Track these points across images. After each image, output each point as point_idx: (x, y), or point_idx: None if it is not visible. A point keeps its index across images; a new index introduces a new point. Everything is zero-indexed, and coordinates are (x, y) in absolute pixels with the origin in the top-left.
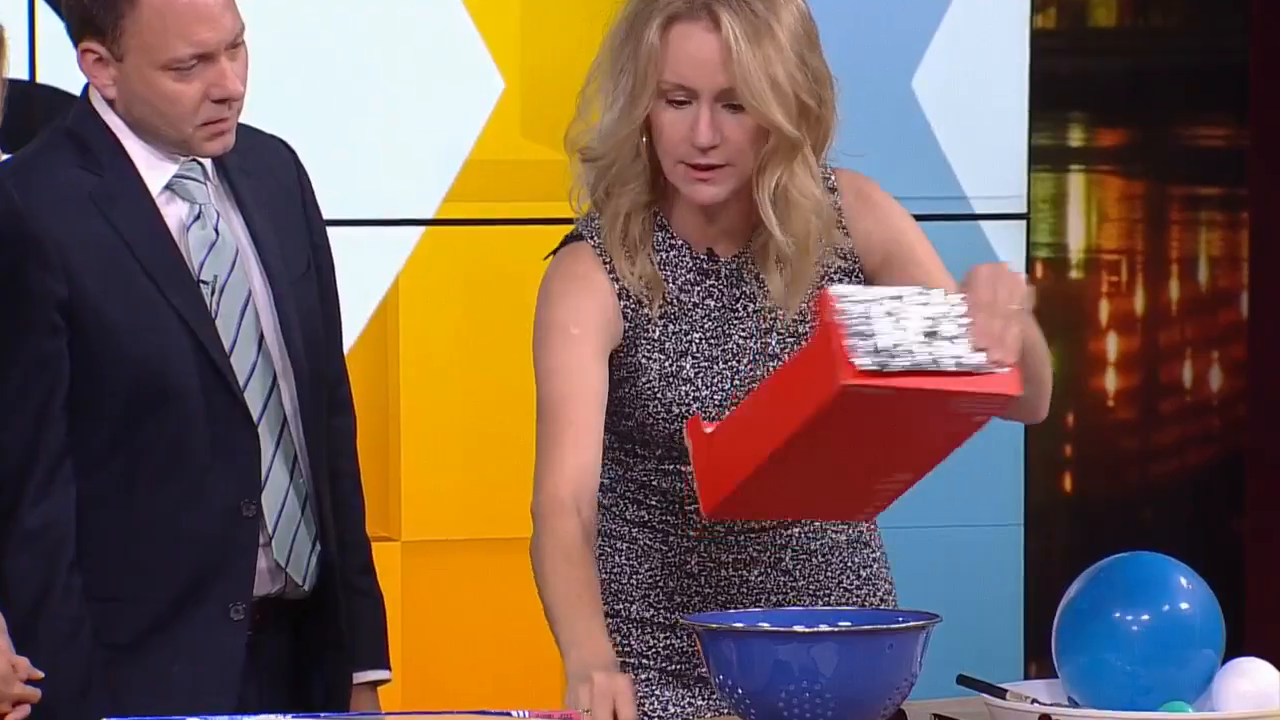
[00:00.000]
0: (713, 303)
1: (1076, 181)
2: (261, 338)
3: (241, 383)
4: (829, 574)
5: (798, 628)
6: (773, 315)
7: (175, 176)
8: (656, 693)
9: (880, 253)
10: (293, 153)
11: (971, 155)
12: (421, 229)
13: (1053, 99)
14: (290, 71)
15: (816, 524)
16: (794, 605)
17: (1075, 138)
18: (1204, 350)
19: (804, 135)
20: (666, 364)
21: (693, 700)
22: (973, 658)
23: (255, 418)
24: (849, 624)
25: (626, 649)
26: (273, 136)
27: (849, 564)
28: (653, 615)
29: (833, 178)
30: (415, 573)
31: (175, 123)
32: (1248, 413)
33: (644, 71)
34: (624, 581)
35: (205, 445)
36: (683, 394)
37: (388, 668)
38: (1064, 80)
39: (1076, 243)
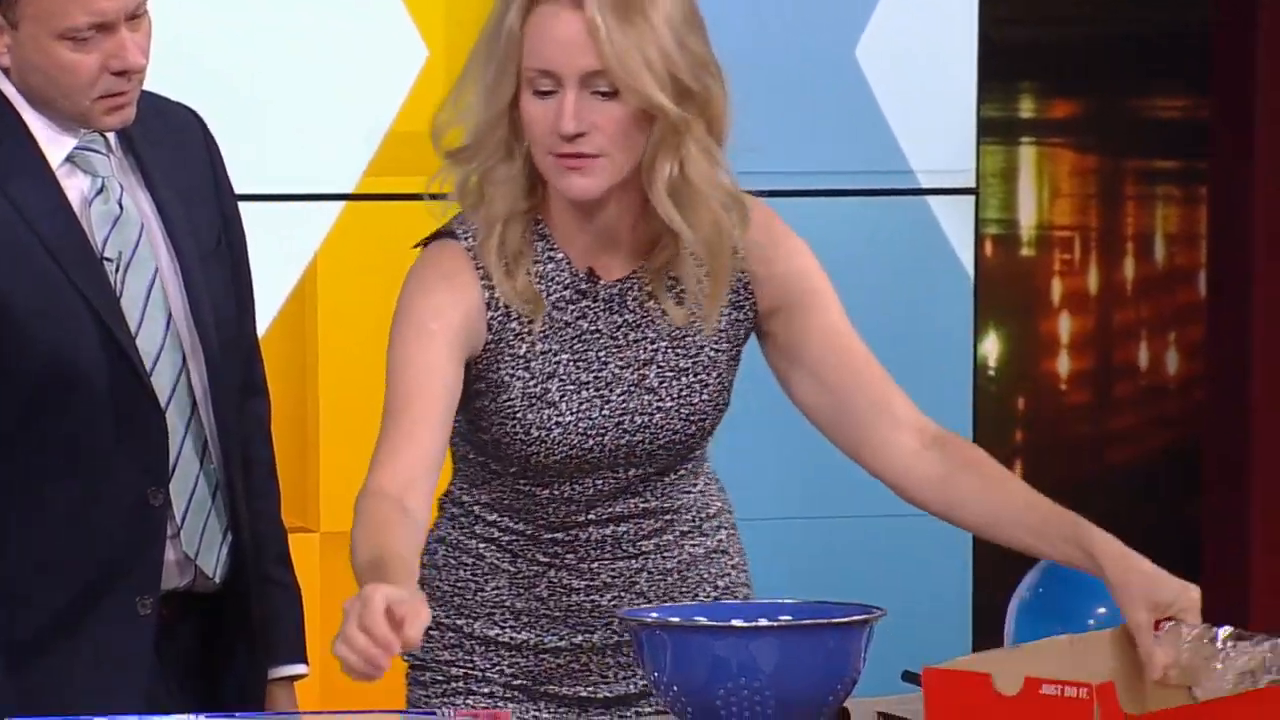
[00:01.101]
0: (586, 324)
1: (1028, 155)
2: (169, 317)
3: (148, 365)
4: (684, 589)
5: (736, 622)
6: (654, 347)
7: (76, 149)
8: (500, 706)
9: (780, 294)
10: (201, 122)
11: (918, 127)
12: (341, 204)
13: (1003, 68)
14: (199, 37)
15: (671, 538)
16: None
17: (1026, 109)
18: (1160, 331)
19: (691, 116)
20: (531, 384)
21: (539, 714)
22: (919, 653)
23: (163, 402)
24: (789, 618)
25: (470, 665)
26: (180, 105)
27: (705, 576)
28: (497, 634)
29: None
30: (335, 565)
31: (72, 94)
32: (1206, 396)
33: (505, 58)
34: (468, 598)
35: (110, 431)
36: (544, 417)
37: (305, 662)
38: (1014, 49)
39: (1027, 219)
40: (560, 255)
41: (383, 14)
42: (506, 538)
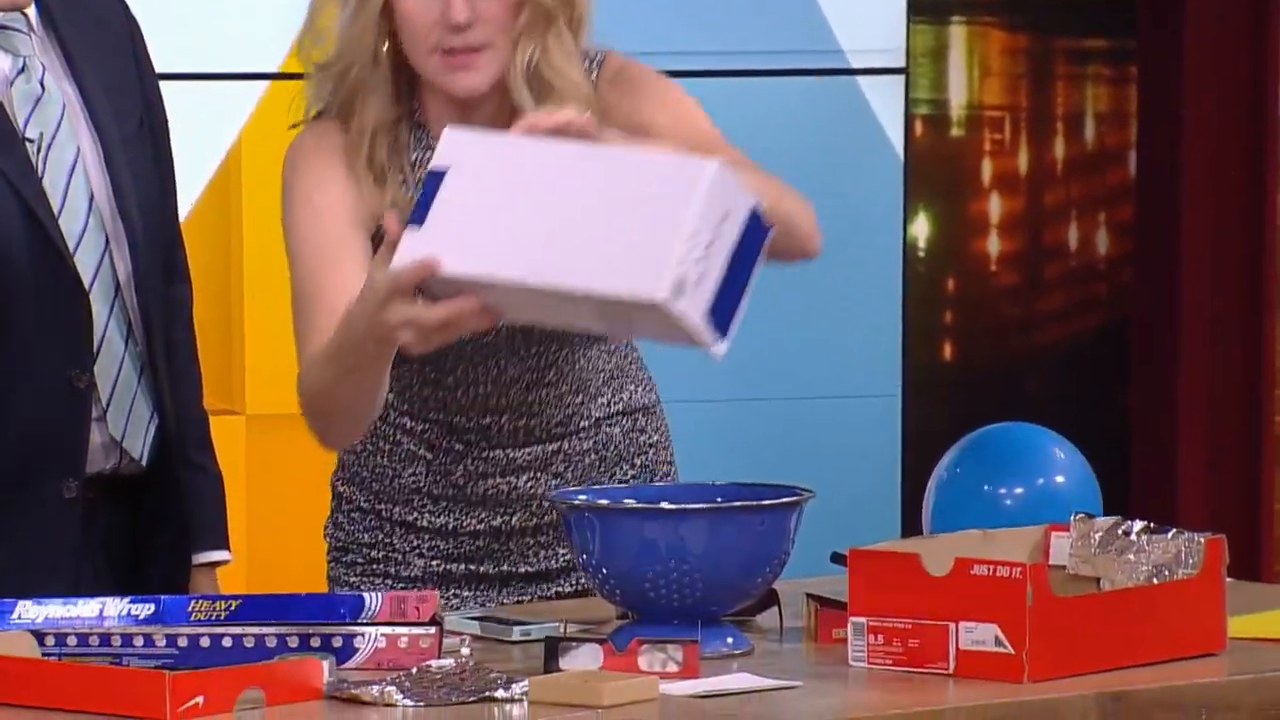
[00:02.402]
0: None
1: (958, 34)
2: (92, 199)
3: (71, 247)
4: (601, 470)
5: (664, 504)
6: None
7: None
8: (419, 588)
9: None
10: (123, 2)
11: (847, 5)
12: (265, 84)
13: (931, 13)
14: None
15: (587, 424)
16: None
17: None
18: (1090, 212)
19: (557, 6)
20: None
21: (459, 593)
22: (848, 535)
23: (87, 284)
24: (720, 500)
25: (390, 547)
26: None
27: (623, 455)
28: (415, 519)
29: (598, 57)
30: (260, 448)
31: None
32: (1135, 278)
33: None
34: (385, 483)
35: (33, 312)
36: None
37: (228, 549)
38: None
39: (958, 99)
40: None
41: None
42: (420, 427)
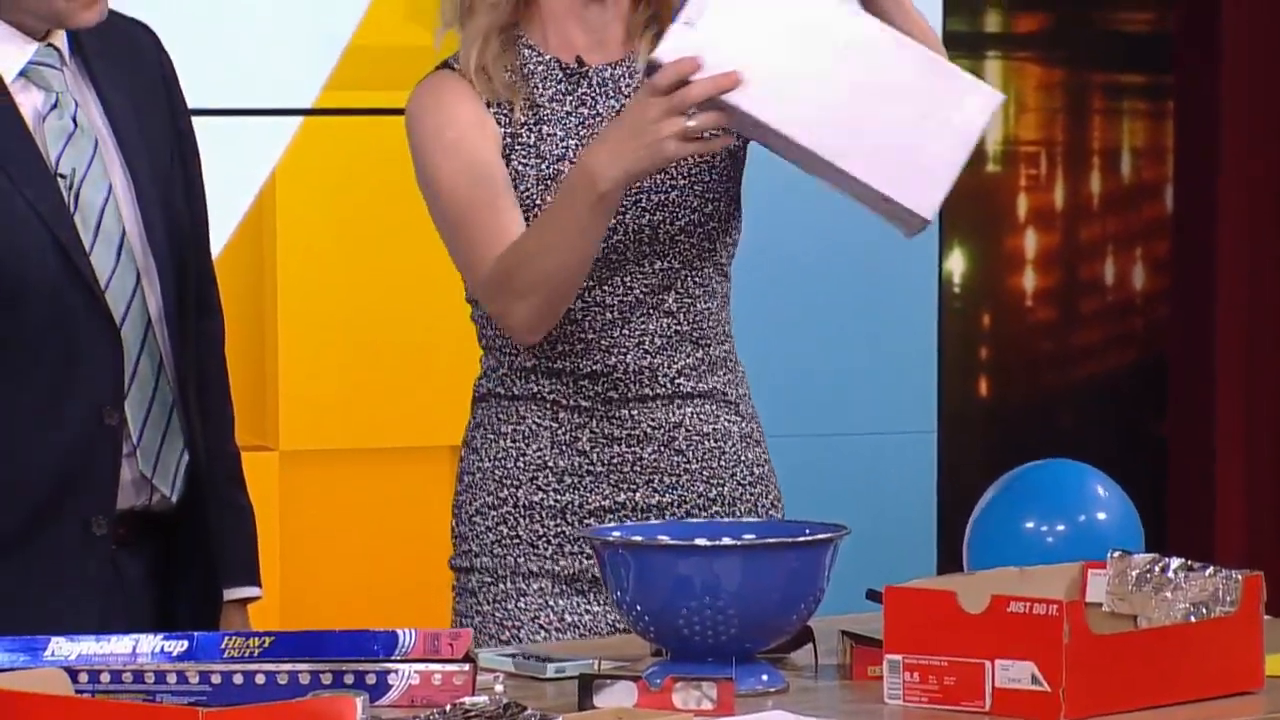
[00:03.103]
0: (586, 110)
1: (993, 69)
2: (124, 235)
3: (103, 283)
4: (722, 463)
5: (699, 540)
6: None
7: (30, 63)
8: (551, 604)
9: None
10: (155, 37)
11: None
12: (300, 119)
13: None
14: None
15: (709, 408)
16: (687, 490)
17: (991, 22)
18: (1127, 247)
19: None
20: (544, 168)
21: (589, 608)
22: (884, 572)
23: (118, 320)
24: (753, 537)
25: (515, 539)
26: (133, 20)
27: (743, 458)
28: (542, 499)
29: None
30: (293, 484)
31: None
32: (1172, 312)
33: None
34: (510, 465)
35: (63, 349)
36: None
37: (258, 584)
38: None
39: (993, 134)
40: (548, 56)
41: None
42: (547, 385)
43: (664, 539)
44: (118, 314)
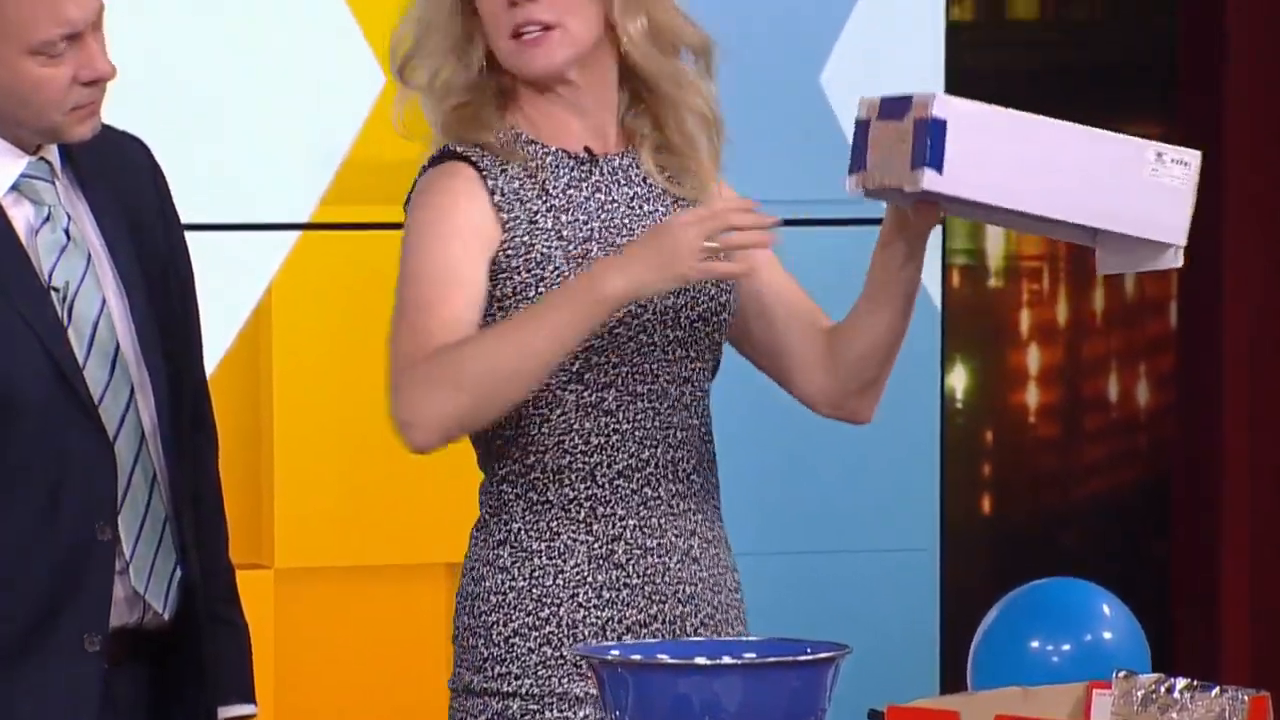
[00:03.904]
0: (603, 196)
1: None
2: (117, 349)
3: (96, 397)
4: (718, 570)
5: (699, 659)
6: (667, 216)
7: (22, 176)
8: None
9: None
10: (148, 151)
11: None
12: (296, 234)
13: (969, 95)
14: (152, 62)
15: (709, 513)
16: (702, 601)
17: None
18: (1130, 363)
19: None
20: (571, 248)
21: None
22: (886, 691)
23: (111, 434)
24: (754, 656)
25: (559, 660)
26: (126, 134)
27: (729, 565)
28: (583, 616)
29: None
30: (289, 602)
31: (43, 111)
32: (1177, 430)
33: None
34: (548, 584)
35: (56, 463)
36: None
37: (253, 702)
38: (981, 76)
39: (995, 249)
40: (555, 148)
41: (339, 40)
42: (580, 486)
43: (663, 658)
44: (111, 428)
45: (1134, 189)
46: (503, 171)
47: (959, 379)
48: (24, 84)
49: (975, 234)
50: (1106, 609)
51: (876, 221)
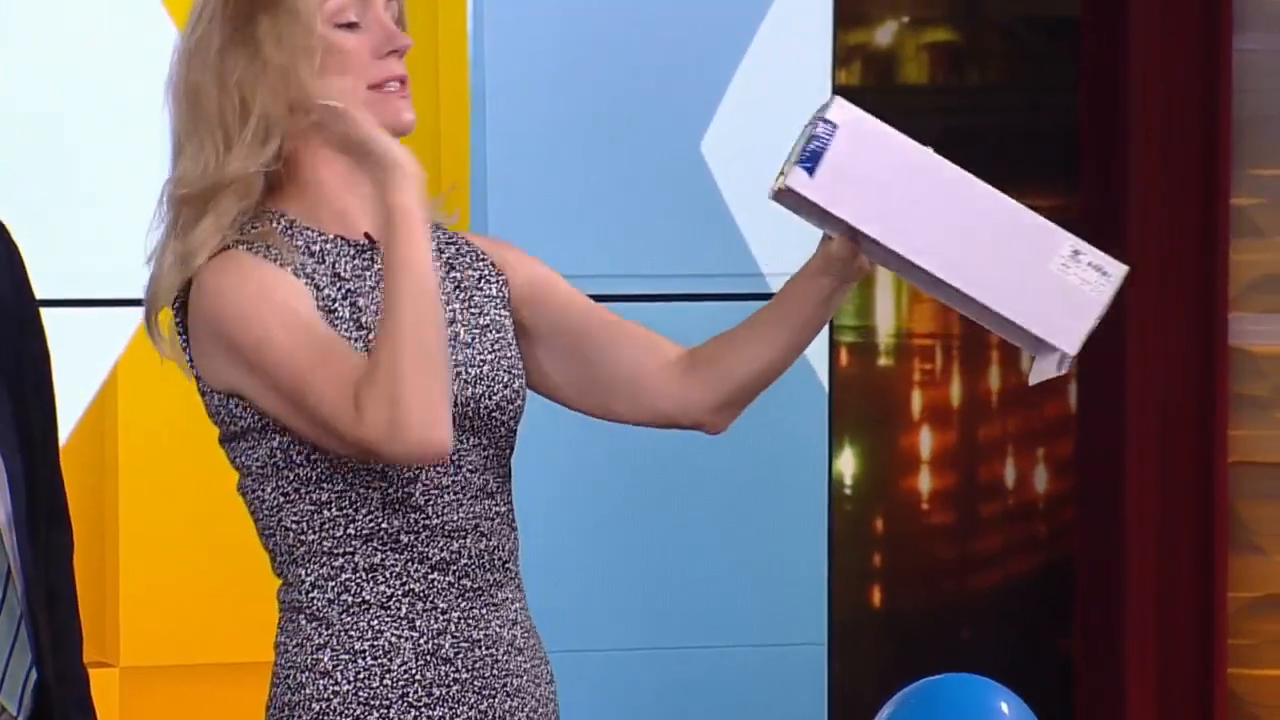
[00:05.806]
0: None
1: None
2: None
3: None
4: (538, 660)
5: None
6: (451, 307)
7: None
8: None
9: (522, 284)
10: (5, 231)
11: (766, 227)
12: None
13: None
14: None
15: (524, 601)
16: (527, 694)
17: None
18: (1028, 447)
19: None
20: (370, 338)
21: None
22: None
23: None
24: None
25: None
26: None
27: (544, 655)
28: (415, 717)
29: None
30: (135, 703)
31: None
32: (1077, 516)
33: (307, 23)
34: (375, 686)
35: None
36: None
37: None
38: None
39: (885, 326)
40: (331, 235)
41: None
42: (396, 583)
43: None
44: None
45: (1033, 276)
46: (284, 252)
47: (847, 463)
48: None
49: (864, 309)
50: (1005, 707)
51: (757, 297)
